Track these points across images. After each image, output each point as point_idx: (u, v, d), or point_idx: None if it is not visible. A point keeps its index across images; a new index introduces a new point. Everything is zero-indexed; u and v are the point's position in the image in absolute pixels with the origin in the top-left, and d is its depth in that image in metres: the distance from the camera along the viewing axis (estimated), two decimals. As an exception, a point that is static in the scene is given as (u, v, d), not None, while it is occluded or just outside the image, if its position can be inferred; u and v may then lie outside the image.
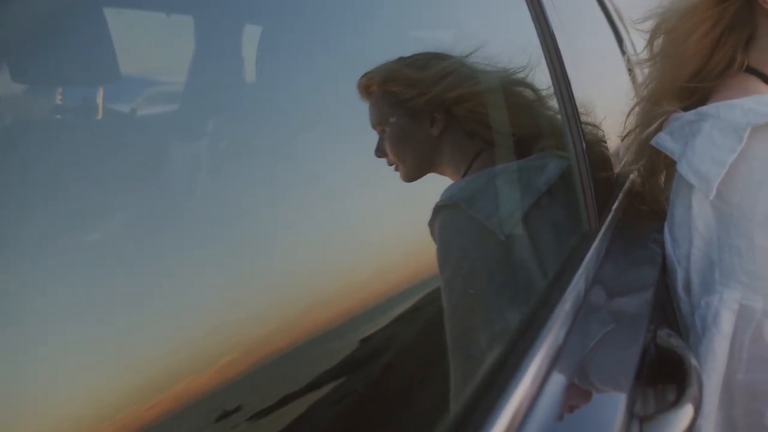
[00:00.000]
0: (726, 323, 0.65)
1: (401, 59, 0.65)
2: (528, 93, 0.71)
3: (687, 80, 0.73)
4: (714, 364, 0.65)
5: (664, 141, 0.72)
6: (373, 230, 0.54)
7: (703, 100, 0.73)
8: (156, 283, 0.36)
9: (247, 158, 0.48)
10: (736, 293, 0.65)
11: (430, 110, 0.68)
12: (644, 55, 0.79)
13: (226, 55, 0.61)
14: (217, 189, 0.45)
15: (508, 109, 0.71)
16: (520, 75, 0.70)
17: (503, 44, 0.73)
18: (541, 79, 0.71)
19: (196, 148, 0.50)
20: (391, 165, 0.65)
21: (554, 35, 0.71)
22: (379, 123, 0.66)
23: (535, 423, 0.44)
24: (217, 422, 0.36)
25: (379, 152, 0.64)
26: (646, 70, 0.81)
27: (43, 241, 0.33)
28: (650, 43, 0.77)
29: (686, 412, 0.54)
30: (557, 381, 0.48)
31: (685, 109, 0.72)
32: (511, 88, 0.71)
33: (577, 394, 0.50)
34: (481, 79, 0.68)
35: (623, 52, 1.39)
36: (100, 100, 0.56)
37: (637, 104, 0.81)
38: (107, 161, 0.39)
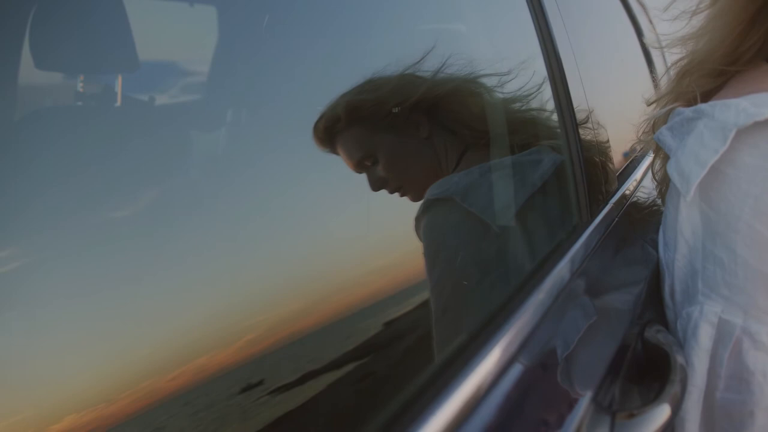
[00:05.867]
0: (705, 337, 0.62)
1: (344, 95, 0.58)
2: (492, 83, 0.69)
3: (720, 61, 0.69)
4: (693, 379, 0.62)
5: (665, 136, 0.70)
6: (371, 227, 0.55)
7: (724, 86, 0.71)
8: (180, 265, 0.39)
9: (265, 148, 0.49)
10: (717, 306, 0.62)
11: (410, 117, 0.66)
12: (680, 34, 0.75)
13: (238, 48, 0.62)
14: (233, 180, 0.46)
15: (480, 103, 0.70)
16: (486, 68, 0.67)
17: (498, 35, 0.73)
18: (538, 73, 0.71)
19: (208, 140, 0.52)
20: (394, 192, 0.63)
21: (550, 25, 0.70)
22: (364, 156, 0.63)
23: (494, 399, 0.44)
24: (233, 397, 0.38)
25: (377, 184, 0.62)
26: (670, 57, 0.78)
27: (71, 223, 0.36)
28: (692, 17, 0.74)
29: (662, 411, 0.52)
30: (521, 365, 0.48)
31: (707, 93, 0.69)
32: (474, 82, 0.69)
33: (542, 379, 0.50)
34: (441, 76, 0.66)
35: (642, 41, 1.34)
36: (119, 89, 0.59)
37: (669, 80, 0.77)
38: (123, 149, 0.42)
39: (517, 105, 0.70)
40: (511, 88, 0.68)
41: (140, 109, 0.56)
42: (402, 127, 0.67)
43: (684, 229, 0.66)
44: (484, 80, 0.67)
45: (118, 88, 0.59)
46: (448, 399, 0.42)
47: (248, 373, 0.40)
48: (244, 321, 0.41)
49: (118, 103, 0.58)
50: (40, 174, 0.36)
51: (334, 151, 0.61)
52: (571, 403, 0.49)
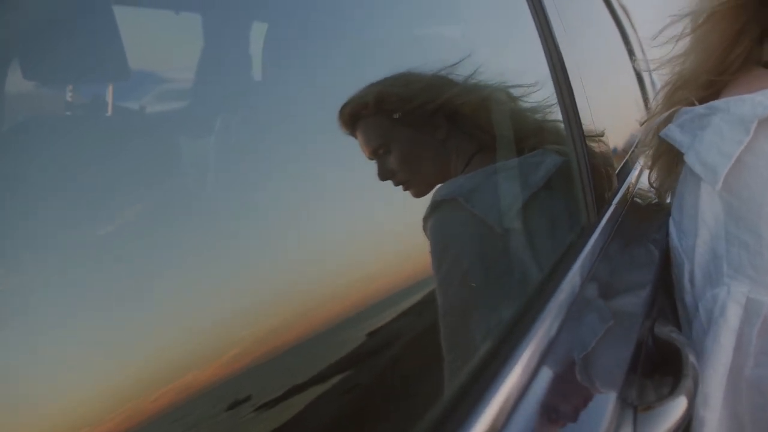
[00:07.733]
0: (733, 316, 0.65)
1: (375, 84, 0.60)
2: (517, 94, 0.71)
3: (709, 73, 0.73)
4: (720, 358, 0.65)
5: (673, 133, 0.73)
6: (373, 228, 0.55)
7: (717, 94, 0.74)
8: (164, 278, 0.38)
9: (251, 156, 0.49)
10: (744, 286, 0.65)
11: (432, 118, 0.68)
12: (669, 55, 0.79)
13: (232, 54, 0.61)
14: (222, 187, 0.46)
15: (501, 110, 0.71)
16: (511, 79, 0.69)
17: (503, 42, 0.74)
18: (541, 78, 0.72)
19: (202, 146, 0.51)
20: (399, 185, 0.64)
21: (554, 32, 0.72)
22: (381, 145, 0.64)
23: (524, 412, 0.45)
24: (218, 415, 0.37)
25: (385, 174, 0.63)
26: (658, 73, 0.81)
27: (57, 236, 0.35)
28: (678, 41, 0.77)
29: (680, 404, 0.54)
30: (548, 372, 0.49)
31: (702, 100, 0.73)
32: (502, 91, 0.71)
33: (568, 385, 0.51)
34: (470, 83, 0.68)
35: (630, 52, 1.38)
36: (109, 98, 0.57)
37: (660, 93, 0.81)
38: (114, 158, 0.41)
39: (538, 116, 0.71)
40: (528, 97, 0.69)
41: (132, 118, 0.55)
42: (422, 126, 0.69)
43: (706, 216, 0.68)
44: (510, 90, 0.69)
45: (109, 97, 0.57)
46: (483, 409, 0.42)
47: (251, 381, 0.39)
48: (239, 331, 0.40)
49: (109, 113, 0.57)
50: (33, 181, 0.35)
51: (353, 134, 0.63)
52: (600, 402, 0.50)
